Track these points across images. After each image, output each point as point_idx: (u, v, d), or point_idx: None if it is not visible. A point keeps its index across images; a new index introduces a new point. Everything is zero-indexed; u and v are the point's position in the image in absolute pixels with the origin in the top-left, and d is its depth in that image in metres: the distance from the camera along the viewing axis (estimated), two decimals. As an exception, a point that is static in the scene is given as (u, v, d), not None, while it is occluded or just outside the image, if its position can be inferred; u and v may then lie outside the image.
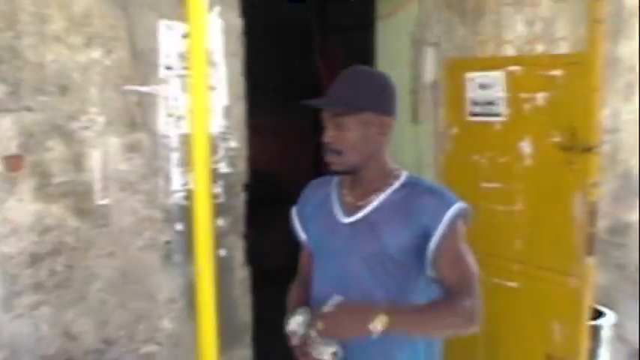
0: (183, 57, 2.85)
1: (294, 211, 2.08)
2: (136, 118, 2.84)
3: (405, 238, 1.80)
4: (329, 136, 1.81)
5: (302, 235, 2.07)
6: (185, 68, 2.85)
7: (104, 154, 2.80)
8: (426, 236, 1.78)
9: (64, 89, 2.68)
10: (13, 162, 2.71)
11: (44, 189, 2.75)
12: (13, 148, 2.68)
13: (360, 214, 1.87)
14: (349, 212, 1.90)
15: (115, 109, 2.79)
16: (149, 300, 2.91)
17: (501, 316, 2.95)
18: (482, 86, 3.19)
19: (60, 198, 2.75)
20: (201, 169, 2.62)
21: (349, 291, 1.82)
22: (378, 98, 1.83)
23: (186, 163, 2.87)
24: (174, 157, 2.93)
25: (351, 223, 1.88)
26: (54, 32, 2.63)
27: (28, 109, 2.65)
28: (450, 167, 3.44)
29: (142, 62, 2.81)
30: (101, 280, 2.88)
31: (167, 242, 2.94)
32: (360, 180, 1.89)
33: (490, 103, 3.22)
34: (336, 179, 1.96)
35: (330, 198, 1.95)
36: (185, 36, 2.77)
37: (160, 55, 2.84)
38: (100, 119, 2.78)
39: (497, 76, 3.08)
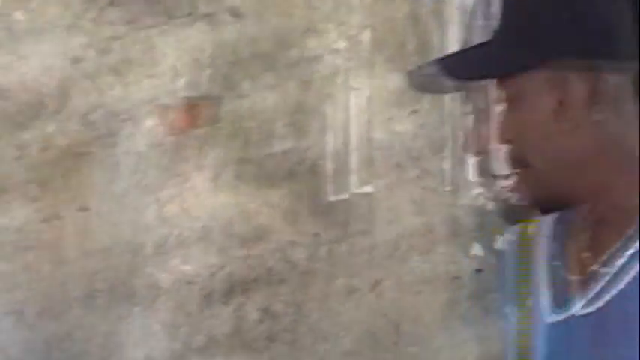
0: None
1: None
2: (411, 44, 1.80)
3: None
4: (493, 128, 0.97)
5: None
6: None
7: (360, 106, 1.75)
8: None
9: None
10: (198, 112, 1.72)
11: (252, 162, 1.75)
12: (180, 88, 1.68)
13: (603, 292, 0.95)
14: (581, 289, 0.97)
15: (383, 25, 1.77)
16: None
17: None
18: None
19: (281, 180, 1.76)
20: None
21: None
22: (577, 27, 0.92)
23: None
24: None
25: (588, 314, 0.96)
26: None
27: (234, 13, 1.71)
28: None
29: None
30: (349, 334, 1.81)
31: (478, 272, 1.84)
32: (597, 212, 0.98)
33: None
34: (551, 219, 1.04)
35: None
36: None
37: None
38: (355, 42, 1.77)
39: None
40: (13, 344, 1.66)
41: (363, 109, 1.78)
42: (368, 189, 1.79)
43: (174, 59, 1.69)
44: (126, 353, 1.70)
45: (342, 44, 1.78)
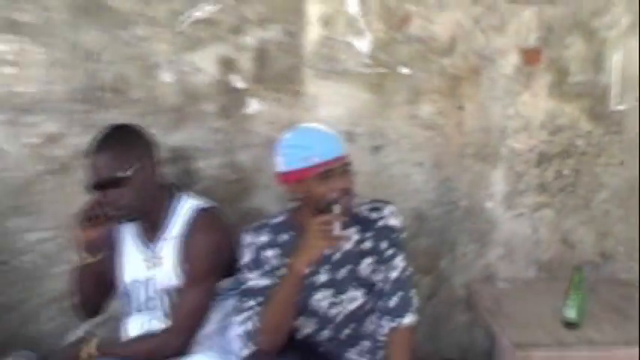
0: None
1: None
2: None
3: None
4: None
5: None
6: None
7: (625, 57, 2.58)
8: None
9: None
10: (532, 55, 2.59)
11: (560, 87, 2.61)
12: (532, 40, 2.57)
13: None
14: None
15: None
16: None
17: None
18: None
19: (575, 98, 2.61)
20: None
21: None
22: None
23: None
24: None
25: None
26: None
27: (551, 2, 2.53)
28: None
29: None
30: (607, 189, 2.69)
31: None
32: None
33: None
34: None
35: None
36: None
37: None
38: (624, 20, 2.56)
39: None
40: (417, 184, 2.58)
41: (620, 61, 2.54)
42: (621, 107, 2.58)
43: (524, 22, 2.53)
44: (484, 191, 2.68)
45: (610, 23, 2.53)
